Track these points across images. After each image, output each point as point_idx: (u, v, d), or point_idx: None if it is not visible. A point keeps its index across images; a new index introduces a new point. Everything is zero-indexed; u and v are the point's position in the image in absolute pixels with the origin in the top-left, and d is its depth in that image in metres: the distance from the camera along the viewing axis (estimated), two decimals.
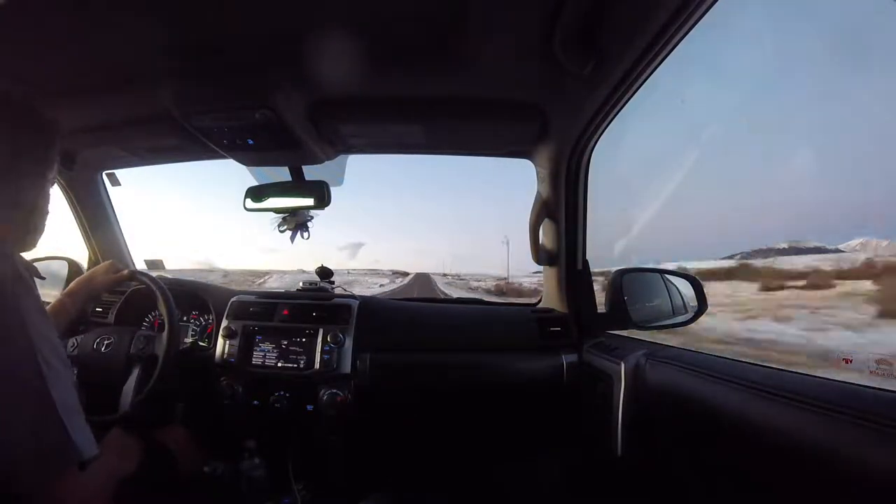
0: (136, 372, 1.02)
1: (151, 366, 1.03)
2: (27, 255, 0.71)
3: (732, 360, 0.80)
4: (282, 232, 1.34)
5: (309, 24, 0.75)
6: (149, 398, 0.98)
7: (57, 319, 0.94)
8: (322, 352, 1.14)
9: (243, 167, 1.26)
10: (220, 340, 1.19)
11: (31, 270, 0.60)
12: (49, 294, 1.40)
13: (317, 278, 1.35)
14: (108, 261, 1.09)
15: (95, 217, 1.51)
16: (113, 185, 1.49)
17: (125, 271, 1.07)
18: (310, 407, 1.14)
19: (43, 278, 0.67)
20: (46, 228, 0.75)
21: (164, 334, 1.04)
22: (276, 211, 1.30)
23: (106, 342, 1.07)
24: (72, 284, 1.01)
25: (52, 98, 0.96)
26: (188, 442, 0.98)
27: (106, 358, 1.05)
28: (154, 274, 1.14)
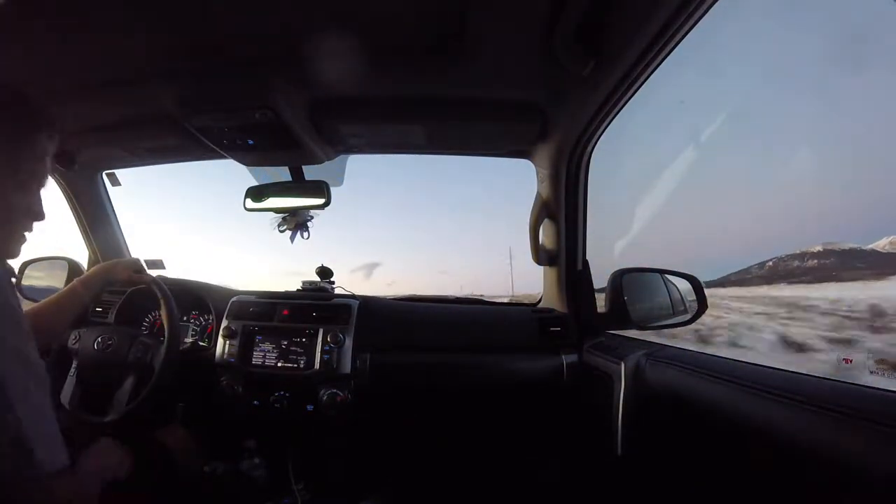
0: (131, 379, 1.02)
1: (147, 376, 1.03)
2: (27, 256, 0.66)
3: (732, 360, 0.80)
4: (282, 232, 1.34)
5: (309, 23, 0.75)
6: (140, 408, 0.98)
7: (69, 305, 0.94)
8: (322, 352, 1.14)
9: (243, 167, 1.26)
10: (220, 340, 1.20)
11: (9, 272, 0.58)
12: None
13: (317, 278, 1.36)
14: (136, 258, 1.12)
15: (95, 217, 1.51)
16: (113, 185, 1.49)
17: (147, 277, 1.09)
18: (310, 407, 1.14)
19: (17, 277, 0.62)
20: (41, 231, 0.67)
21: (163, 347, 1.04)
22: (276, 211, 1.30)
23: (106, 343, 1.07)
24: (89, 271, 1.01)
25: (52, 98, 0.96)
26: (188, 442, 0.98)
27: (104, 359, 1.05)
28: (154, 274, 1.14)
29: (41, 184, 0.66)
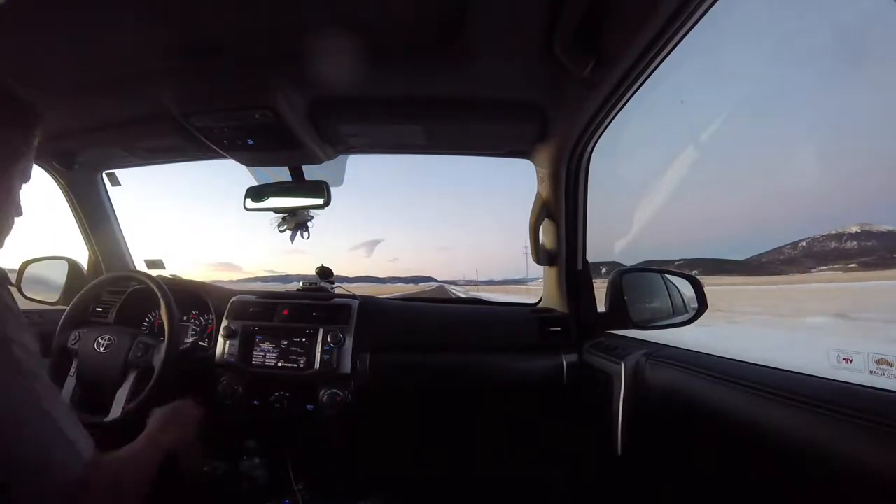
0: (131, 379, 1.02)
1: (147, 375, 1.03)
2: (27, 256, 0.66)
3: (732, 360, 0.80)
4: (281, 232, 1.35)
5: (309, 23, 0.75)
6: (140, 408, 0.98)
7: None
8: (322, 352, 1.14)
9: (243, 167, 1.26)
10: (220, 340, 1.20)
11: (1, 278, 0.56)
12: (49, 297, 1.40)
13: (317, 278, 1.36)
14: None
15: (95, 217, 1.51)
16: (113, 185, 1.49)
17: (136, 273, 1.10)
18: (310, 407, 1.14)
19: (12, 284, 0.62)
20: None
21: (163, 346, 1.04)
22: (277, 211, 1.30)
23: (106, 343, 1.07)
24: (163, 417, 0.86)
25: (52, 98, 0.96)
26: (189, 442, 0.98)
27: (104, 360, 1.05)
28: (154, 274, 1.14)
29: (27, 179, 0.66)
